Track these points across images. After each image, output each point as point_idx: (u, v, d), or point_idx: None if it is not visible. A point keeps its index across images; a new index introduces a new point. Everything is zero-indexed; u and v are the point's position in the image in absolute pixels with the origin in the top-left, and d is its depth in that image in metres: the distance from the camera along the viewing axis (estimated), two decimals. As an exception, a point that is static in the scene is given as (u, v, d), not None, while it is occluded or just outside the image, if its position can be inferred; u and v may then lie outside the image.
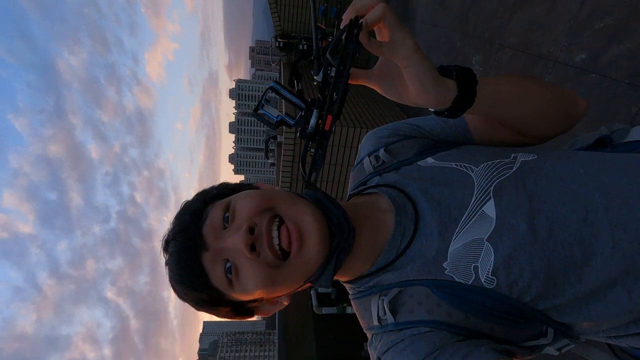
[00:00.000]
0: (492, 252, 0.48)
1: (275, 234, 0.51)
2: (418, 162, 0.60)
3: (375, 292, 0.54)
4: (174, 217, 0.57)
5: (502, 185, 0.51)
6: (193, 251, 0.52)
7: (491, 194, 0.51)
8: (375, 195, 0.61)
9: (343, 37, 0.45)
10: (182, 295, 0.55)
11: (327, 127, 0.48)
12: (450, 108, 0.48)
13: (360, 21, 0.45)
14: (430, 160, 0.60)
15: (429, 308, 0.49)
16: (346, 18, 0.47)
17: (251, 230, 0.50)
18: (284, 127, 0.55)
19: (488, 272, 0.48)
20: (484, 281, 0.48)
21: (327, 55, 0.47)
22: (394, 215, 0.55)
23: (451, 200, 0.53)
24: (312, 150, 0.50)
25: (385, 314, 0.52)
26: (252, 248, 0.50)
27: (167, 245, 0.55)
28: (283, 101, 0.55)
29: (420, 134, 0.65)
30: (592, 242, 0.46)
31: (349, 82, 0.47)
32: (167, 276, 0.56)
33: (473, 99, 0.48)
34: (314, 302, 3.97)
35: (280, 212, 0.52)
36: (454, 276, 0.49)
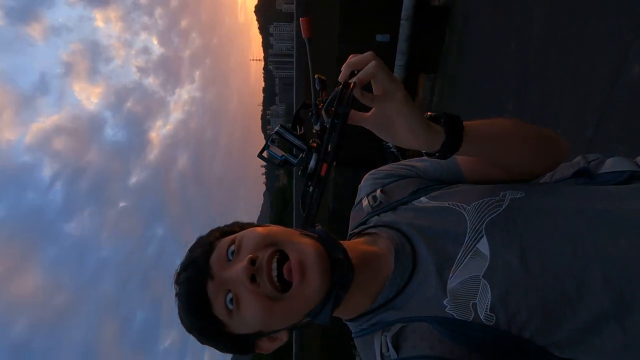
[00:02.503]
0: (489, 289, 0.49)
1: (274, 266, 0.53)
2: (413, 202, 0.62)
3: (378, 329, 0.55)
4: (187, 250, 0.60)
5: (494, 223, 0.53)
6: (200, 280, 0.55)
7: (483, 232, 0.52)
8: (374, 234, 0.62)
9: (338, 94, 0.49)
10: (188, 325, 0.57)
11: (322, 173, 0.51)
12: (440, 151, 0.51)
13: (353, 80, 0.49)
14: (424, 199, 0.61)
15: (431, 344, 0.49)
16: (343, 73, 0.50)
17: (253, 262, 0.52)
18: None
19: (487, 309, 0.48)
20: (484, 318, 0.48)
21: (322, 113, 0.52)
22: (394, 254, 0.56)
23: (446, 239, 0.55)
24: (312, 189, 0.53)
25: (388, 350, 0.52)
26: (253, 279, 0.51)
27: (179, 277, 0.58)
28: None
29: (415, 174, 0.68)
30: (584, 276, 0.47)
31: (349, 123, 0.50)
32: (177, 309, 0.58)
33: (460, 143, 0.51)
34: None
35: (283, 247, 0.54)
36: (454, 314, 0.50)
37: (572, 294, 0.47)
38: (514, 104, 2.91)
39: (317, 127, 0.53)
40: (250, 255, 0.52)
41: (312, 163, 0.53)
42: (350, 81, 0.49)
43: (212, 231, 0.62)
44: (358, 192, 0.73)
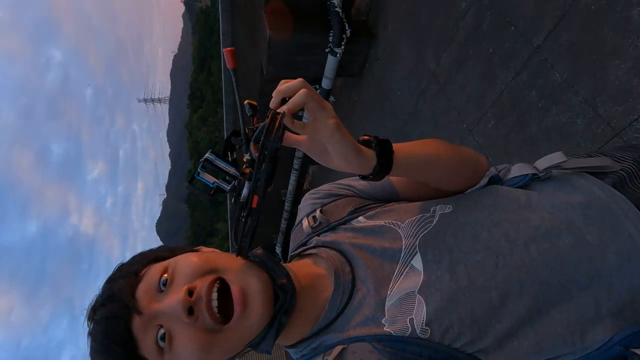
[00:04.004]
0: (424, 304, 0.52)
1: (215, 295, 0.50)
2: (352, 222, 0.64)
3: (319, 353, 0.55)
4: (104, 281, 0.54)
5: (426, 239, 0.56)
6: (123, 317, 0.49)
7: (417, 248, 0.55)
8: (314, 255, 0.62)
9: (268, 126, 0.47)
10: None
11: (254, 205, 0.49)
12: (372, 174, 0.52)
13: (283, 109, 0.47)
14: (362, 219, 0.63)
15: None
16: (274, 100, 0.49)
17: (190, 292, 0.48)
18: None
19: (422, 323, 0.51)
20: (419, 332, 0.51)
21: (250, 145, 0.49)
22: (333, 275, 0.57)
23: (383, 257, 0.57)
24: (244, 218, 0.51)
25: None
26: (190, 312, 0.48)
27: (94, 312, 0.51)
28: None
29: (353, 193, 0.70)
30: (505, 285, 0.51)
31: (283, 145, 0.49)
32: (89, 349, 0.51)
33: (390, 167, 0.52)
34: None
35: (223, 275, 0.51)
36: (391, 331, 0.52)
37: (496, 303, 0.51)
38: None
39: (247, 157, 0.51)
40: (188, 285, 0.49)
41: (244, 191, 0.51)
42: (279, 110, 0.48)
43: (136, 258, 0.56)
44: (298, 213, 0.73)
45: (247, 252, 0.53)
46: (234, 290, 0.49)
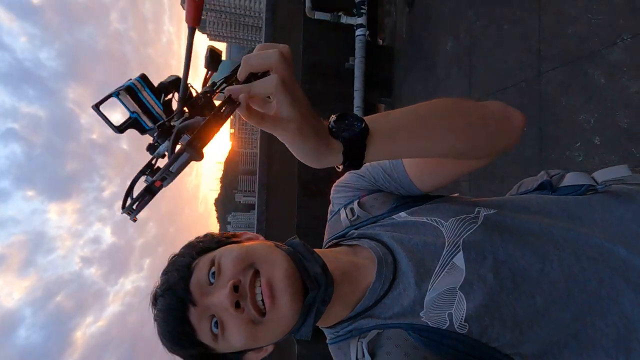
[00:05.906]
0: (465, 301, 0.52)
1: (258, 290, 0.54)
2: (392, 217, 0.65)
3: (354, 336, 0.57)
4: (162, 271, 0.60)
5: (470, 239, 0.56)
6: (181, 309, 0.55)
7: (460, 247, 0.55)
8: (354, 246, 0.64)
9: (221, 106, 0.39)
10: (172, 351, 0.58)
11: (157, 184, 0.40)
12: (344, 165, 0.47)
13: (237, 101, 0.40)
14: (403, 214, 0.64)
15: (405, 351, 0.52)
16: (241, 70, 0.42)
17: (235, 287, 0.53)
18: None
19: (461, 319, 0.51)
20: (457, 327, 0.51)
21: (184, 105, 0.43)
22: (376, 265, 0.58)
23: (425, 252, 0.57)
24: (147, 178, 0.42)
25: (363, 356, 0.54)
26: (237, 305, 0.52)
27: (156, 300, 0.58)
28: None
29: (379, 188, 0.68)
30: (551, 291, 0.51)
31: (247, 121, 0.42)
32: (156, 330, 0.58)
33: (361, 163, 0.47)
34: (307, 4, 3.86)
35: (259, 268, 0.55)
36: (429, 322, 0.53)
37: (541, 307, 0.51)
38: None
39: (177, 125, 0.42)
40: (233, 281, 0.53)
41: (161, 149, 0.43)
42: (234, 97, 0.40)
43: (185, 250, 0.61)
44: (331, 203, 0.74)
45: (131, 214, 0.41)
46: (263, 284, 0.53)
